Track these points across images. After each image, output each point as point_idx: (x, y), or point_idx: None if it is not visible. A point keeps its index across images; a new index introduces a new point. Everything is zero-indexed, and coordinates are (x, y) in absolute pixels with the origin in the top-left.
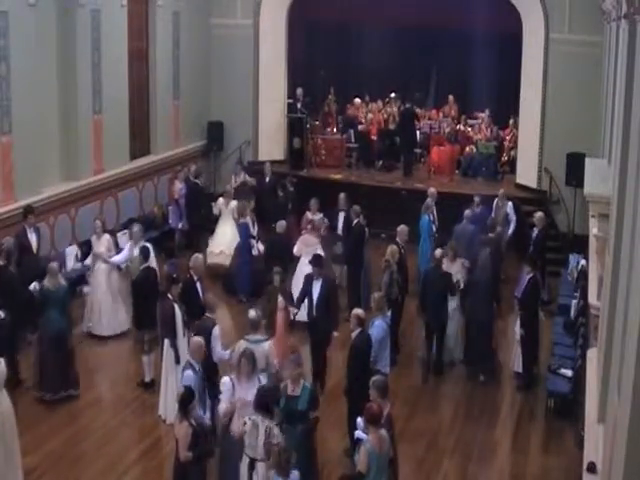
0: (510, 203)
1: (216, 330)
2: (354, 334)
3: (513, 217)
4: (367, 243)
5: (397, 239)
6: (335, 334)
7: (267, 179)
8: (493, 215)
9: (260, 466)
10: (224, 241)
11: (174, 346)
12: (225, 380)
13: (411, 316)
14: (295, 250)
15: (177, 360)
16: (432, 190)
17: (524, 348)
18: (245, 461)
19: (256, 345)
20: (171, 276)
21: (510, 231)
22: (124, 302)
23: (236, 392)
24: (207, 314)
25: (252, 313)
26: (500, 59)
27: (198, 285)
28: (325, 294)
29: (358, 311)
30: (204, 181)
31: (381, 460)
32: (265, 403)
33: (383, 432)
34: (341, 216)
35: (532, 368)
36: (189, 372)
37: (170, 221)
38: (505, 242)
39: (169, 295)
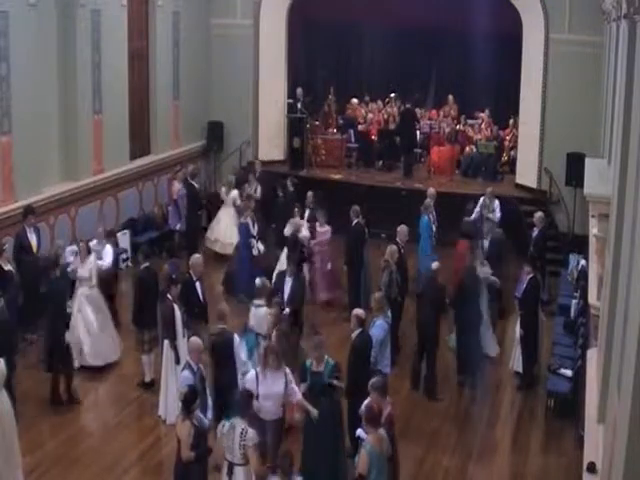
0: (497, 201)
1: (237, 339)
2: (354, 334)
3: (498, 215)
4: (367, 243)
5: (397, 239)
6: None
7: (256, 174)
8: (479, 211)
9: (238, 470)
10: (220, 229)
11: (174, 347)
12: (250, 374)
13: (411, 316)
14: (285, 231)
15: (177, 361)
16: (431, 190)
17: (524, 348)
18: (225, 465)
19: (257, 309)
20: (170, 276)
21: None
22: (110, 328)
23: (260, 385)
24: (220, 325)
25: (258, 281)
26: (500, 59)
27: (197, 285)
28: (295, 292)
29: (359, 311)
30: (201, 182)
31: (381, 459)
32: (242, 405)
33: (382, 432)
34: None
35: (532, 368)
36: (186, 372)
37: (169, 222)
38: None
39: (169, 296)
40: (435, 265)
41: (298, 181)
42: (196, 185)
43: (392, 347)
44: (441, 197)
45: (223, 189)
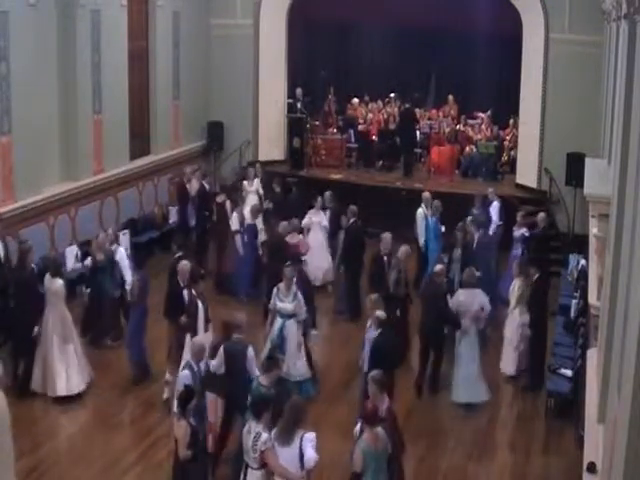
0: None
1: (251, 352)
2: (374, 335)
3: (494, 218)
4: (365, 243)
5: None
6: (314, 332)
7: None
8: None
9: (251, 474)
10: None
11: None
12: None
13: (411, 316)
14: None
15: None
16: (427, 194)
17: (533, 348)
18: (243, 466)
19: None
20: (198, 272)
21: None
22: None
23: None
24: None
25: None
26: (500, 59)
27: (185, 292)
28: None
29: (379, 313)
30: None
31: (378, 458)
32: (259, 408)
33: (379, 430)
34: (327, 213)
35: (539, 368)
36: (185, 372)
37: (186, 218)
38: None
39: (193, 291)
40: (438, 268)
41: (297, 180)
42: (206, 185)
43: (403, 344)
44: (441, 197)
45: (245, 182)
